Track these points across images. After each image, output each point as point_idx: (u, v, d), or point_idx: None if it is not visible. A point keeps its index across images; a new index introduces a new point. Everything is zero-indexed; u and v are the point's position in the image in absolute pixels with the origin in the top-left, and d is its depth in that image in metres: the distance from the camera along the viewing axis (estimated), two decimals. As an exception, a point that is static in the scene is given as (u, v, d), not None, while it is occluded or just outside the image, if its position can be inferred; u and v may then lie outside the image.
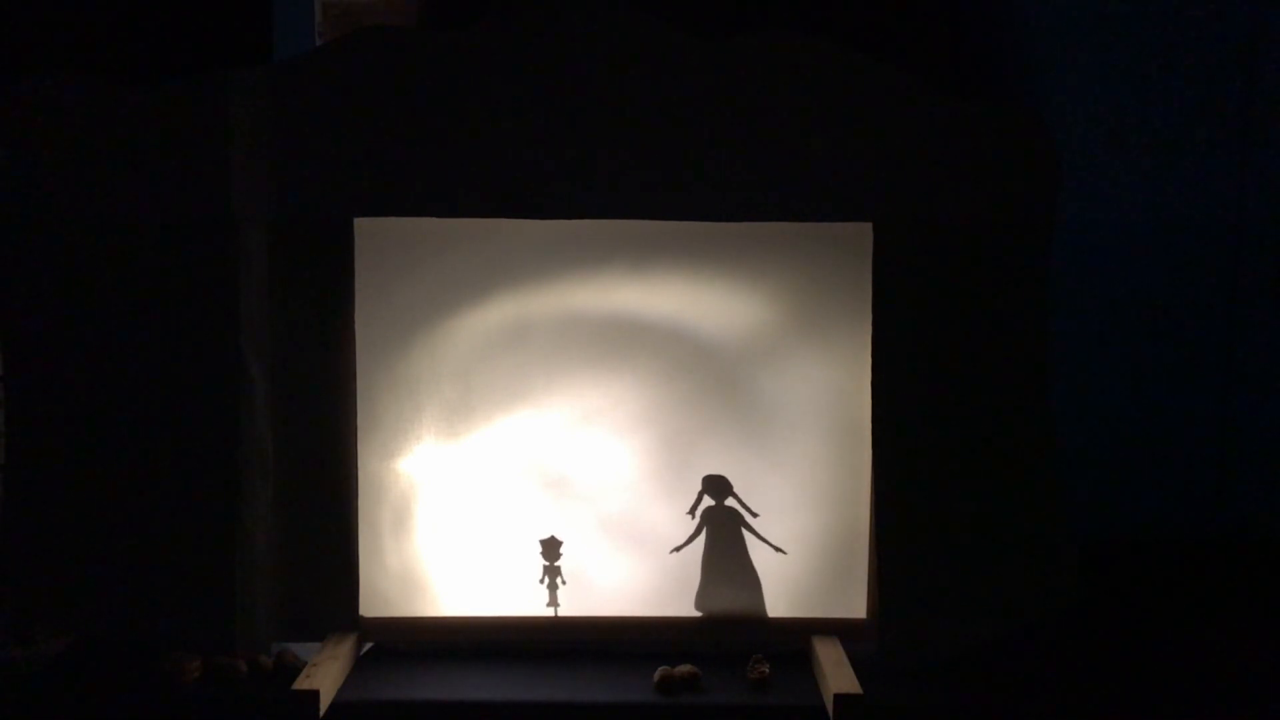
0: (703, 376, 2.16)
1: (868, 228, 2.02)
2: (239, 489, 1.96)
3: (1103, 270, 2.65)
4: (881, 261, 2.01)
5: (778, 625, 2.12)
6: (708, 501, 2.13)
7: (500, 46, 1.96)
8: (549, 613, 2.13)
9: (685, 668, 1.98)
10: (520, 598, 2.15)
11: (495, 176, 1.98)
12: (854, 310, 2.10)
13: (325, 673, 1.91)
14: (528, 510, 2.16)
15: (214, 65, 2.01)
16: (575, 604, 2.14)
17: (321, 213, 2.00)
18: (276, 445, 2.05)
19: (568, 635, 2.12)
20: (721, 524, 2.13)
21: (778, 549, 2.14)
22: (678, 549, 2.14)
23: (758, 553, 2.13)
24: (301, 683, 1.87)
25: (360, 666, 2.05)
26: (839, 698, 1.85)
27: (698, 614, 2.13)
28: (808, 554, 2.16)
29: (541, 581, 2.12)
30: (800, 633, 2.10)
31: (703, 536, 2.13)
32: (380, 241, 2.10)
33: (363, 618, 2.10)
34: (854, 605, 2.14)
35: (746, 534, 2.13)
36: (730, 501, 2.13)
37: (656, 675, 1.97)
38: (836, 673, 1.93)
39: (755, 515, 2.13)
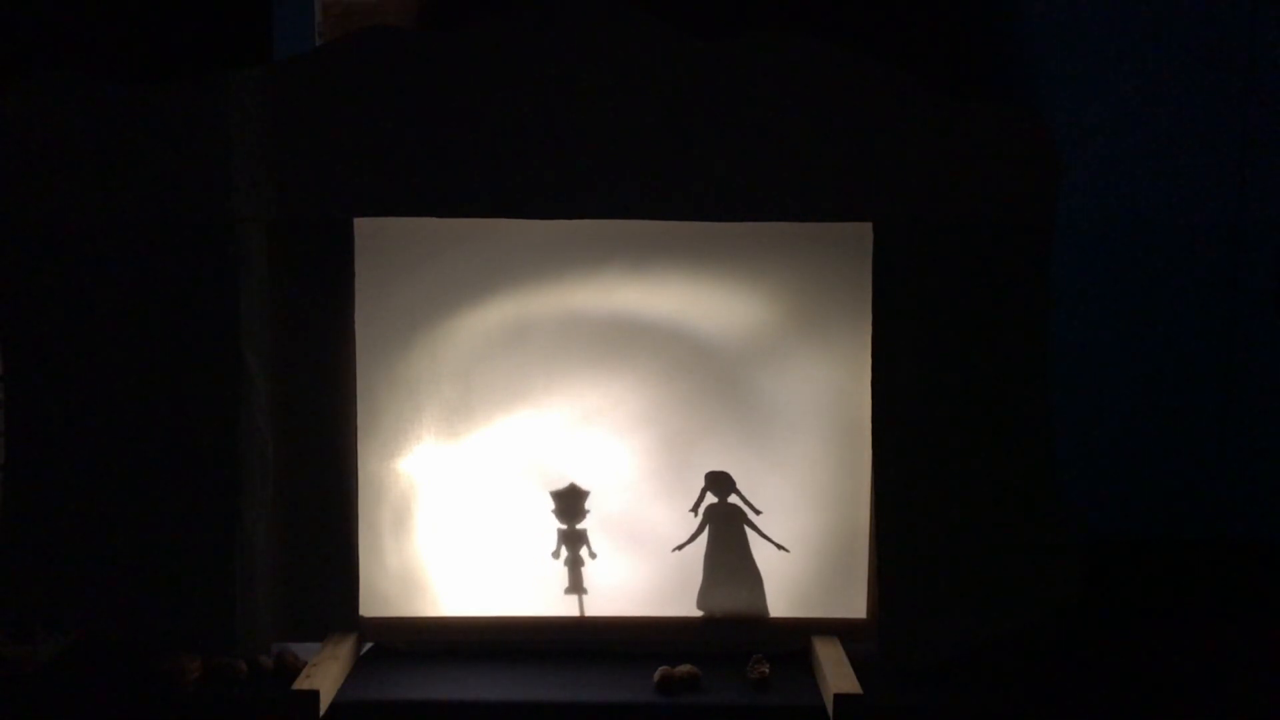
0: (703, 376, 2.16)
1: (868, 228, 2.01)
2: (239, 489, 1.96)
3: (1103, 270, 2.65)
4: (881, 261, 2.01)
5: (778, 625, 2.12)
6: (710, 498, 2.13)
7: (500, 46, 1.95)
8: (570, 600, 2.00)
9: (685, 668, 1.98)
10: (520, 598, 2.15)
11: (495, 176, 1.97)
12: (854, 310, 2.10)
13: (325, 673, 1.91)
14: (528, 510, 2.16)
15: (214, 65, 2.01)
16: (575, 604, 2.14)
17: (321, 213, 1.99)
18: (276, 445, 2.05)
19: (568, 635, 2.12)
20: (725, 522, 2.13)
21: (781, 547, 2.14)
22: (680, 547, 2.14)
23: (759, 552, 2.13)
24: (301, 683, 1.88)
25: (360, 666, 2.05)
26: (839, 698, 1.85)
27: (698, 614, 2.13)
28: (808, 554, 2.16)
29: (557, 555, 1.99)
30: (800, 633, 2.11)
31: (705, 534, 2.13)
32: (380, 241, 2.10)
33: (363, 618, 2.11)
34: (854, 605, 2.15)
35: (749, 532, 2.13)
36: (733, 498, 2.13)
37: (656, 675, 1.97)
38: (836, 673, 1.93)
39: (758, 512, 2.13)
